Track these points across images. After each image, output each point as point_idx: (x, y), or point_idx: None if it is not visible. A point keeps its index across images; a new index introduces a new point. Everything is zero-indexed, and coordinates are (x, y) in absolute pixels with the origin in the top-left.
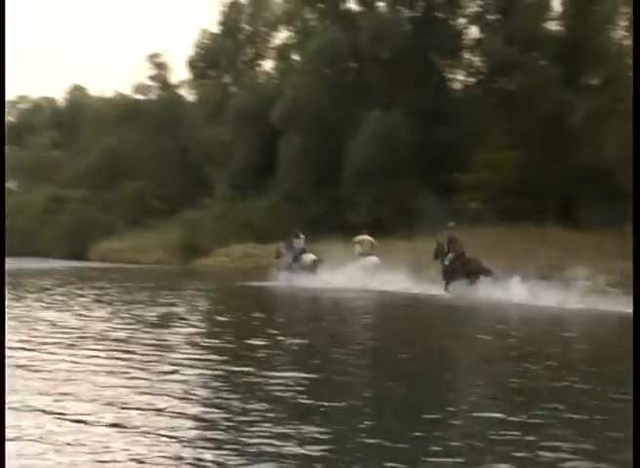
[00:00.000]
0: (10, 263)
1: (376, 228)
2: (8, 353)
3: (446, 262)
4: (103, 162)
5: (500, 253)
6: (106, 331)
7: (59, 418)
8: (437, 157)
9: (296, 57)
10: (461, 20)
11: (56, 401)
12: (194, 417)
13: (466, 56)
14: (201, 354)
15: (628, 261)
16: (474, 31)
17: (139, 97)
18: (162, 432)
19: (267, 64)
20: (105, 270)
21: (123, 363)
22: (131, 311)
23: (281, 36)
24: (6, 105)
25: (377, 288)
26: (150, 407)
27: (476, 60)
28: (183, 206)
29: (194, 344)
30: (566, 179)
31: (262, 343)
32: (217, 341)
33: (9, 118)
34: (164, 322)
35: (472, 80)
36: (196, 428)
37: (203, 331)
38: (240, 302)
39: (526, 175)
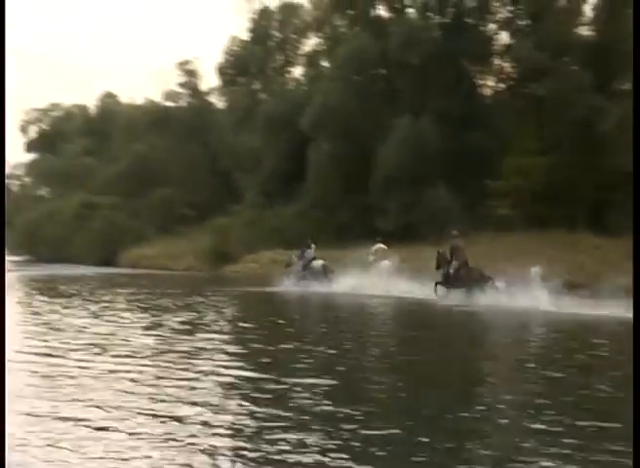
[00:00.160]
0: (42, 270)
1: (405, 235)
2: (36, 358)
3: (450, 270)
4: (134, 169)
5: (530, 260)
6: (134, 337)
7: (82, 425)
8: (467, 163)
9: (325, 63)
10: (492, 26)
11: (83, 407)
12: (218, 425)
13: (496, 61)
14: (225, 361)
15: None
16: (504, 37)
17: (169, 104)
18: (183, 439)
19: (297, 71)
20: (135, 276)
21: (149, 369)
22: (158, 317)
23: (310, 43)
24: (39, 113)
25: (390, 294)
26: (173, 414)
27: (506, 66)
28: (213, 212)
29: (220, 351)
30: (597, 185)
31: (289, 348)
32: (242, 348)
33: (42, 126)
34: (190, 328)
35: (502, 86)
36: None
37: (228, 337)
38: (261, 308)
39: (556, 181)
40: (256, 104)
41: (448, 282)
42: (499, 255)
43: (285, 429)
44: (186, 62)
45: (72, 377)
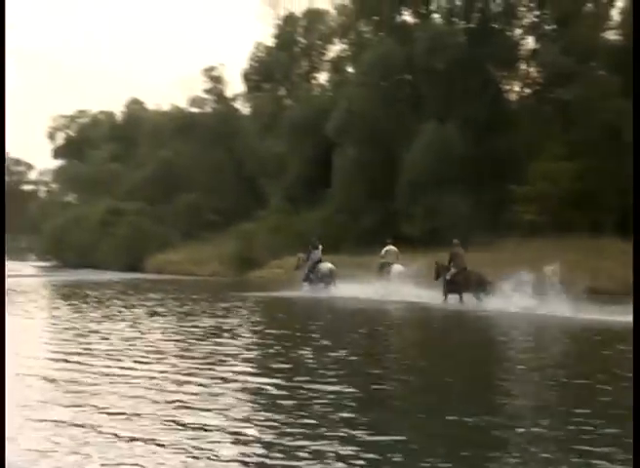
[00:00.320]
0: (68, 275)
1: (430, 240)
2: (63, 365)
3: (447, 277)
4: (160, 175)
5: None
6: (158, 342)
7: (101, 433)
8: (492, 168)
9: (350, 69)
10: (518, 31)
11: (104, 413)
12: (239, 434)
13: (522, 66)
14: (245, 367)
15: None
16: (530, 42)
17: (194, 110)
18: (204, 446)
19: (322, 77)
20: (160, 282)
21: (172, 376)
22: (182, 322)
23: (336, 49)
24: (66, 120)
25: (400, 298)
26: (198, 424)
27: (532, 71)
28: (238, 218)
29: (242, 357)
30: (624, 190)
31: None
32: (266, 352)
33: (69, 132)
34: (213, 334)
35: (528, 91)
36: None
37: (251, 342)
38: (276, 314)
39: (583, 187)
40: (281, 110)
41: (448, 287)
42: (523, 261)
43: None
44: (212, 69)
45: (94, 383)
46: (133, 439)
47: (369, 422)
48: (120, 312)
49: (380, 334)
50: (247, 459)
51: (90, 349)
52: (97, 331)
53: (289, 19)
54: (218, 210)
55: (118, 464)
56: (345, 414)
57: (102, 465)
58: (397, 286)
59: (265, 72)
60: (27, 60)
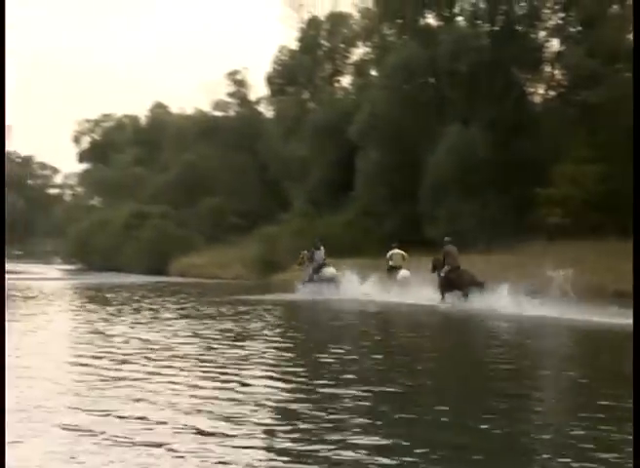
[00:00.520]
0: (92, 278)
1: (454, 243)
2: (82, 369)
3: (442, 274)
4: (184, 178)
5: (578, 268)
6: (179, 345)
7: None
8: (516, 171)
9: (374, 72)
10: (542, 33)
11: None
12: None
13: (547, 69)
14: (267, 369)
15: None
16: (555, 44)
17: (218, 113)
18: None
19: (345, 80)
20: (184, 285)
21: (192, 377)
22: (205, 325)
23: (359, 52)
24: (91, 124)
25: (402, 300)
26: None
27: (557, 73)
28: (261, 221)
29: (262, 358)
30: None
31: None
32: (289, 355)
33: (94, 136)
34: (236, 336)
35: (553, 93)
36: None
37: (274, 345)
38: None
39: (609, 189)
40: (304, 113)
41: (442, 286)
42: (547, 263)
43: None
44: (236, 72)
45: (118, 386)
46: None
47: None
48: (139, 314)
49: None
50: None
51: (113, 351)
52: (119, 333)
53: (312, 23)
54: (241, 213)
55: None
56: None
57: None
58: (410, 287)
59: (289, 76)
60: (53, 65)
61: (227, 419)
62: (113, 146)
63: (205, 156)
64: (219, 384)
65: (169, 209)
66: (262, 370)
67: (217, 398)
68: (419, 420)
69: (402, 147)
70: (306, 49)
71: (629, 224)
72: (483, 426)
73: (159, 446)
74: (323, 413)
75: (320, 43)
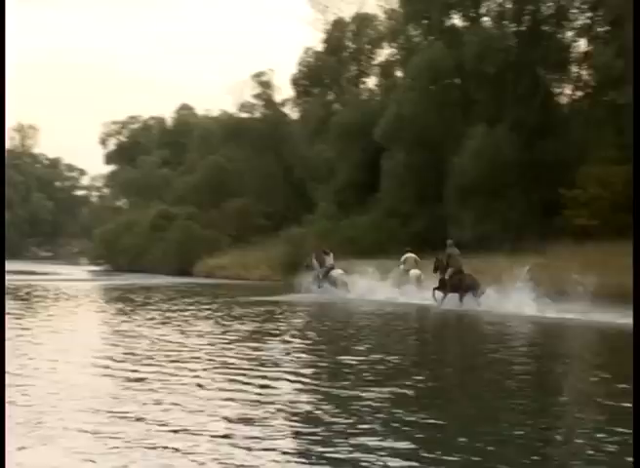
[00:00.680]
0: (119, 279)
1: (480, 245)
2: (113, 366)
3: (445, 277)
4: (210, 179)
5: (606, 271)
6: (202, 346)
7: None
8: (543, 172)
9: (399, 73)
10: (569, 34)
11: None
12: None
13: (574, 69)
14: (291, 369)
15: None
16: (583, 44)
17: (244, 115)
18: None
19: (371, 81)
20: (210, 286)
21: (217, 377)
22: (229, 326)
23: (384, 53)
24: (117, 126)
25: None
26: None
27: (584, 74)
28: (287, 222)
29: (285, 359)
30: None
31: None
32: (309, 357)
33: (120, 138)
34: (259, 337)
35: (580, 94)
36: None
37: (296, 346)
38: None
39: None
40: (329, 115)
41: (444, 287)
42: (573, 265)
43: None
44: (261, 74)
45: (138, 387)
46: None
47: None
48: (164, 315)
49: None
50: None
51: (137, 352)
52: (144, 334)
53: (338, 24)
54: (267, 214)
55: None
56: None
57: None
58: (420, 290)
59: (314, 77)
60: (80, 67)
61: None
62: (140, 148)
63: (231, 157)
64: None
65: (195, 210)
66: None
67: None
68: None
69: (428, 148)
70: (332, 50)
71: None
72: None
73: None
74: None
75: (346, 44)
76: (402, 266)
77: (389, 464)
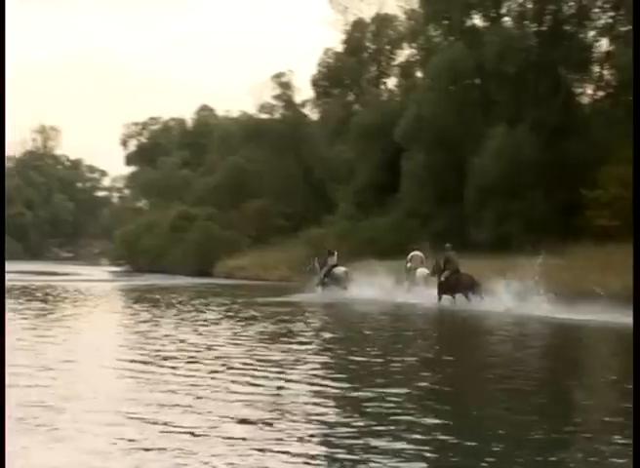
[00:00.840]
0: (139, 280)
1: (500, 245)
2: (130, 367)
3: (442, 278)
4: (229, 180)
5: (626, 272)
6: (220, 346)
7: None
8: (564, 173)
9: (419, 74)
10: (591, 33)
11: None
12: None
13: (596, 69)
14: (308, 370)
15: None
16: (605, 44)
17: (263, 116)
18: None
19: (391, 82)
20: (229, 287)
21: (233, 378)
22: (247, 327)
23: (405, 53)
24: (138, 127)
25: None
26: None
27: (606, 74)
28: (307, 223)
29: (301, 359)
30: None
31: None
32: (324, 358)
33: (141, 139)
34: (277, 338)
35: (602, 94)
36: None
37: (313, 347)
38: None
39: None
40: (349, 116)
41: (441, 289)
42: (592, 267)
43: None
44: (281, 75)
45: (156, 388)
46: None
47: None
48: (184, 316)
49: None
50: None
51: (156, 352)
52: (163, 335)
53: (358, 25)
54: (286, 215)
55: None
56: None
57: None
58: (426, 288)
59: (334, 78)
60: (100, 68)
61: None
62: (160, 149)
63: (250, 158)
64: None
65: (215, 211)
66: None
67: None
68: None
69: (448, 149)
70: (352, 51)
71: None
72: None
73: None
74: None
75: (365, 45)
76: (408, 264)
77: None
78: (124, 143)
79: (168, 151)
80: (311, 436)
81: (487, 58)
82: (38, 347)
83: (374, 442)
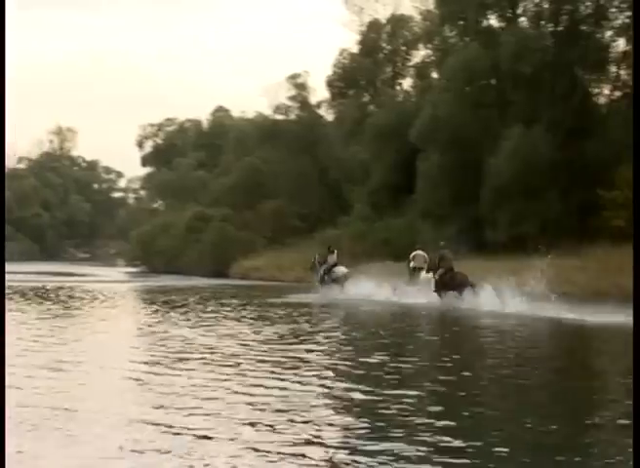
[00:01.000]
0: (154, 281)
1: (515, 246)
2: (142, 368)
3: (436, 277)
4: (245, 181)
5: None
6: (231, 347)
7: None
8: (580, 173)
9: (435, 74)
10: (608, 33)
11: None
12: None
13: (613, 69)
14: (319, 371)
15: None
16: (622, 44)
17: (279, 117)
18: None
19: (406, 83)
20: (244, 288)
21: (245, 379)
22: (261, 328)
23: (420, 54)
24: (154, 128)
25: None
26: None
27: (623, 74)
28: (322, 224)
29: (312, 360)
30: None
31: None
32: (336, 359)
33: (157, 140)
34: (289, 339)
35: (619, 94)
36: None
37: (325, 348)
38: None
39: None
40: (365, 116)
41: (436, 287)
42: (609, 269)
43: None
44: (296, 76)
45: (170, 390)
46: None
47: None
48: (199, 317)
49: None
50: None
51: (171, 354)
52: (178, 336)
53: (373, 26)
54: (302, 216)
55: None
56: None
57: None
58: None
59: (350, 79)
60: (116, 69)
61: None
62: (176, 150)
63: (266, 159)
64: None
65: (230, 212)
66: None
67: None
68: None
69: (463, 149)
70: (367, 52)
71: None
72: None
73: None
74: None
75: (381, 46)
76: (411, 263)
77: None
78: (140, 144)
79: (184, 152)
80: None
81: (503, 58)
82: (53, 348)
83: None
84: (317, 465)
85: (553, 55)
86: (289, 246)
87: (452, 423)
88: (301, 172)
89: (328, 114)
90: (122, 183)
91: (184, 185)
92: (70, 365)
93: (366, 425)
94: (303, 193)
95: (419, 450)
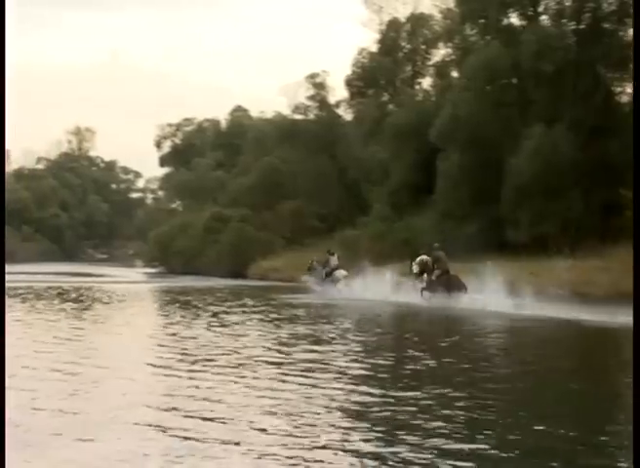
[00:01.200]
0: (173, 282)
1: (536, 246)
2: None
3: (433, 277)
4: (263, 181)
5: None
6: (242, 348)
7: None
8: (602, 173)
9: (455, 73)
10: (632, 31)
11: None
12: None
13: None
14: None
15: None
16: None
17: (298, 117)
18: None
19: (426, 82)
20: (262, 288)
21: (254, 381)
22: (274, 329)
23: (440, 53)
24: (172, 128)
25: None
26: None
27: None
28: (341, 224)
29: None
30: None
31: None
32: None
33: (175, 141)
34: (298, 341)
35: None
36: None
37: (336, 349)
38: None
39: None
40: (384, 116)
41: (431, 288)
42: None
43: None
44: (315, 75)
45: (186, 392)
46: None
47: None
48: (216, 318)
49: None
50: None
51: (187, 354)
52: (193, 336)
53: (393, 25)
54: (321, 216)
55: None
56: None
57: None
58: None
59: (369, 78)
60: (135, 70)
61: None
62: (194, 150)
63: (285, 159)
64: None
65: (249, 212)
66: None
67: None
68: None
69: (484, 149)
70: (387, 51)
71: None
72: None
73: None
74: None
75: (400, 45)
76: (416, 268)
77: None
78: (158, 145)
79: (202, 152)
80: None
81: (524, 57)
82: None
83: None
84: None
85: (575, 53)
86: (308, 246)
87: None
88: (320, 172)
89: (347, 114)
90: (140, 184)
91: (203, 186)
92: (79, 366)
93: None
94: (322, 193)
95: None
